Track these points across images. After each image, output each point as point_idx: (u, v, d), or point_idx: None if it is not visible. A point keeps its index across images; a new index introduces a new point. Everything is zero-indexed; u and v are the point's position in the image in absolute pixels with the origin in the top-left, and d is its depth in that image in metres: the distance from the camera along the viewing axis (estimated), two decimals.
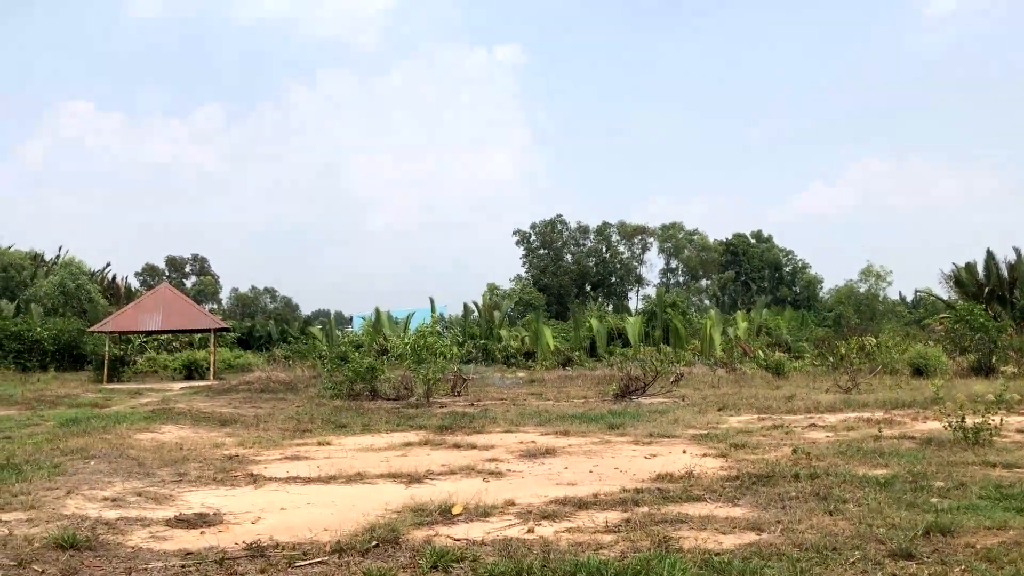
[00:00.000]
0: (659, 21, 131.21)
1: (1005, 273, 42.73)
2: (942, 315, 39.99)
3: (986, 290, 42.07)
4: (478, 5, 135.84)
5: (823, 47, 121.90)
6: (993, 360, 26.19)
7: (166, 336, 42.24)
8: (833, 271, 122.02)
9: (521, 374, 31.89)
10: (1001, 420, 11.11)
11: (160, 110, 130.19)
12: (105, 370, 30.77)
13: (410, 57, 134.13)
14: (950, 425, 10.98)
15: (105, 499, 8.02)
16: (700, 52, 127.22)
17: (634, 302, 78.24)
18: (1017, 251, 42.77)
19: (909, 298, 66.88)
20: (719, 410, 16.81)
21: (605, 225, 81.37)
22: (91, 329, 34.64)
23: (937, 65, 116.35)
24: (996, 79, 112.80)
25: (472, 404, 19.43)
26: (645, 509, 7.24)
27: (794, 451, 10.45)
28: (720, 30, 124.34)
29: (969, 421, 10.80)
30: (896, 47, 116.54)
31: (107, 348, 31.75)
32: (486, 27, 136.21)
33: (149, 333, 38.83)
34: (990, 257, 43.64)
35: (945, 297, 46.58)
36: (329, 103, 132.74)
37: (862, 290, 54.78)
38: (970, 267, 44.52)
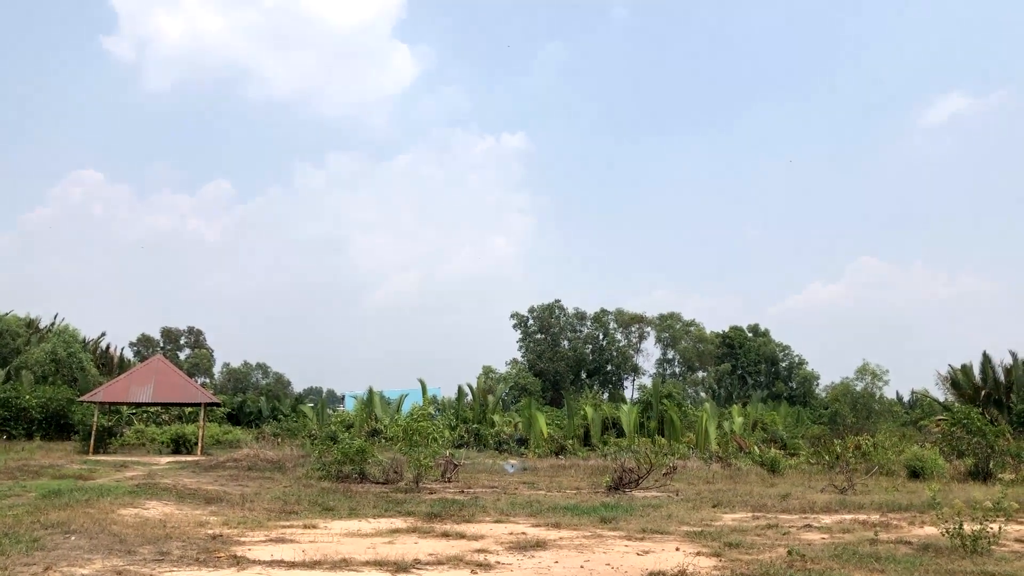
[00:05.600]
0: (665, 124, 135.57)
1: (1001, 377, 42.74)
2: (939, 417, 39.70)
3: (983, 393, 41.96)
4: (487, 93, 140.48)
5: (823, 152, 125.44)
6: (991, 465, 25.92)
7: (155, 408, 41.74)
8: (829, 368, 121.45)
9: (513, 461, 31.39)
10: (1000, 528, 10.94)
11: (168, 184, 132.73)
12: (92, 441, 30.33)
13: (417, 141, 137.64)
14: (948, 532, 10.81)
15: None
16: (702, 152, 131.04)
17: (630, 391, 77.79)
18: (1013, 355, 42.94)
19: (906, 398, 66.67)
20: (713, 507, 16.54)
21: (603, 312, 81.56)
22: (81, 399, 34.26)
23: (934, 171, 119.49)
24: (992, 184, 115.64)
25: (462, 491, 19.09)
26: None
27: (789, 553, 10.25)
28: (724, 134, 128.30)
29: (967, 528, 10.64)
30: (894, 154, 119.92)
31: (95, 418, 31.35)
32: (494, 115, 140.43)
33: (139, 405, 38.41)
34: (986, 360, 43.75)
35: (942, 399, 46.44)
36: (335, 183, 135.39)
37: (858, 388, 54.56)
38: (966, 369, 44.55)
